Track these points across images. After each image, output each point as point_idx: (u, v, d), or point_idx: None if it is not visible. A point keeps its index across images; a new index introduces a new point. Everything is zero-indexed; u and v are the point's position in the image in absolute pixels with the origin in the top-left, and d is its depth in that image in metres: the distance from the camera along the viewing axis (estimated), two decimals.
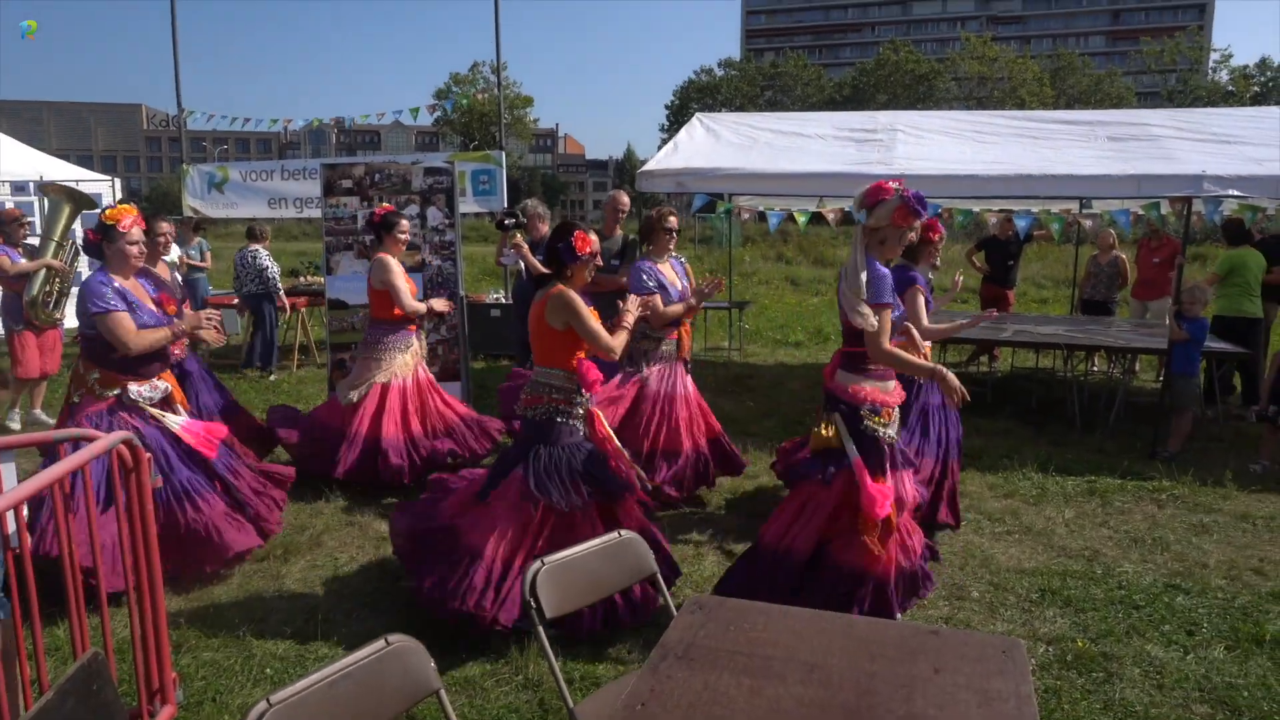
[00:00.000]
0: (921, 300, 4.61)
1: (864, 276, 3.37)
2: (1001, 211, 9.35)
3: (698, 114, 8.88)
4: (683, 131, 8.31)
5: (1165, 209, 7.02)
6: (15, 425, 6.72)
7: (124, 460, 2.40)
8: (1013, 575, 4.18)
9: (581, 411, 3.70)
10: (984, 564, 4.33)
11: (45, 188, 6.53)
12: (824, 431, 3.57)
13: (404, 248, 5.57)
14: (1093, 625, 3.67)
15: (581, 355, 3.64)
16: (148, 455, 2.48)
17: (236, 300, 9.51)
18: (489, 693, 3.17)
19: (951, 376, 3.40)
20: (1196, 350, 6.18)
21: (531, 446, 3.62)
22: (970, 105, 53.20)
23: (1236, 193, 5.90)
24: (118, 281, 3.83)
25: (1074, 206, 9.09)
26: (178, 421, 3.96)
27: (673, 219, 5.16)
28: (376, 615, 3.78)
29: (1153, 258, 8.84)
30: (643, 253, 5.20)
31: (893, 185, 3.42)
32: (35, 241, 7.01)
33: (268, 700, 1.65)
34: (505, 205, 10.13)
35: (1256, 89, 50.76)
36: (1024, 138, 7.46)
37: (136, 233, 3.84)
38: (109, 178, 12.41)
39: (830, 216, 7.84)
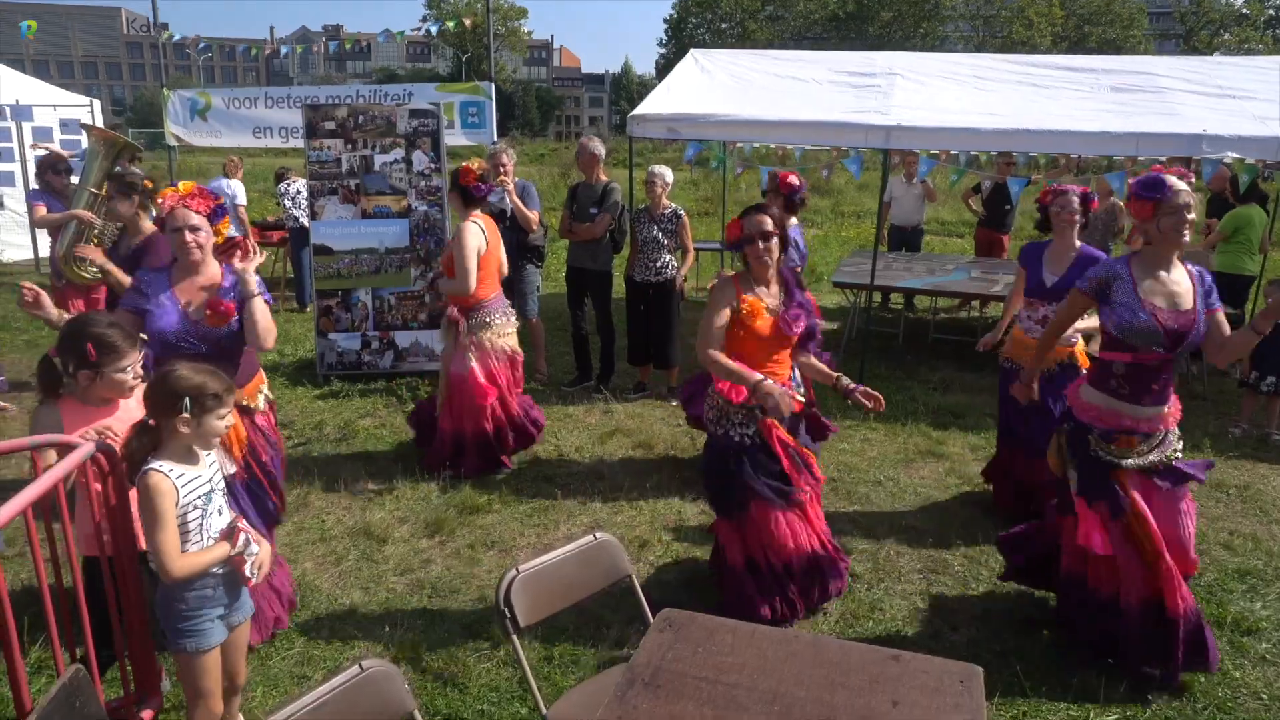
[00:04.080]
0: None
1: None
2: (1000, 155, 9.20)
3: (692, 51, 8.63)
4: (676, 71, 8.10)
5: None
6: None
7: (100, 466, 2.41)
8: (990, 548, 4.25)
9: (739, 415, 3.42)
10: (962, 531, 4.40)
11: (87, 129, 6.03)
12: (1052, 454, 3.40)
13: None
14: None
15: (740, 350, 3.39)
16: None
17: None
18: (470, 669, 3.26)
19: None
20: None
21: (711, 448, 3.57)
22: (976, 25, 51.69)
23: (1233, 154, 5.81)
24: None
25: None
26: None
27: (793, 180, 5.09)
28: (361, 588, 3.84)
29: None
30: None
31: (1166, 180, 3.07)
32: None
33: None
34: (495, 138, 9.92)
35: (1271, 11, 49.36)
36: (1025, 85, 7.30)
37: (183, 215, 3.00)
38: (87, 100, 12.07)
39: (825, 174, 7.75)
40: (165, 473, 2.30)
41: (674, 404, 6.29)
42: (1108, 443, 3.18)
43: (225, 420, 2.42)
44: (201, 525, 2.40)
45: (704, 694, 1.93)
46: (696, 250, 8.35)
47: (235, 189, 9.61)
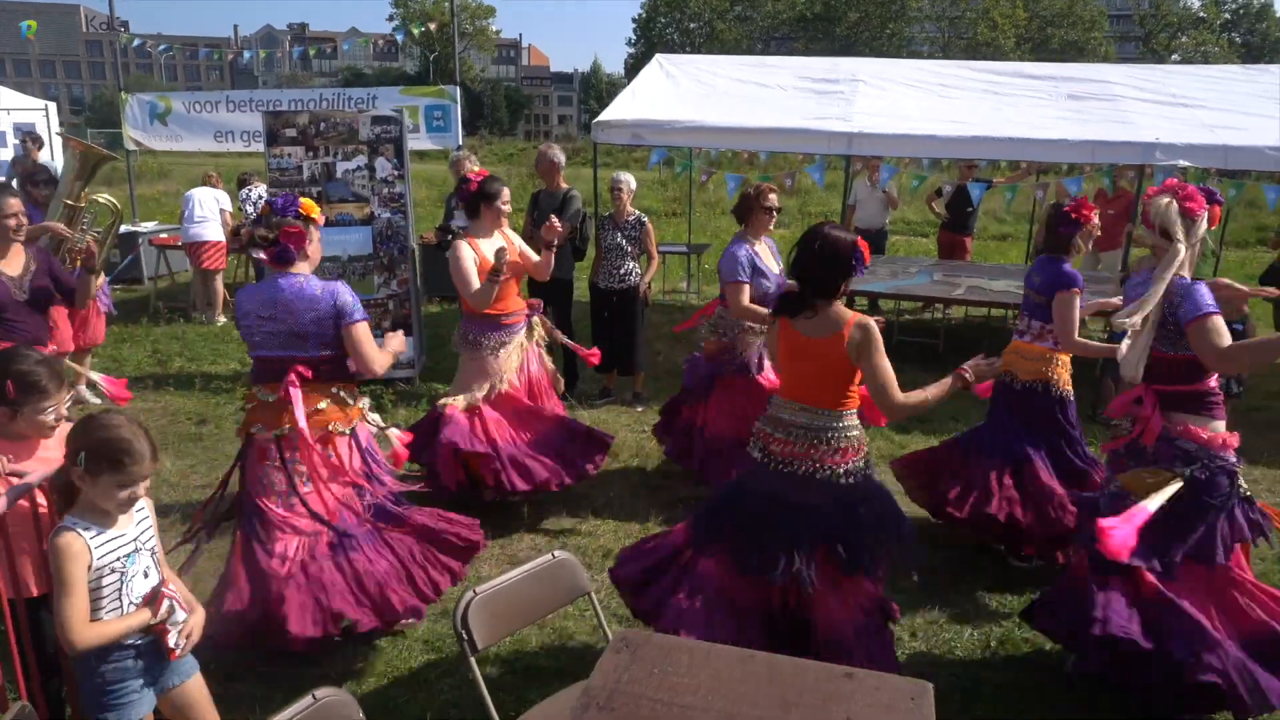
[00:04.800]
0: (1076, 307, 3.99)
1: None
2: (962, 160, 9.32)
3: (657, 56, 8.65)
4: (641, 76, 8.12)
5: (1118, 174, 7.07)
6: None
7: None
8: (952, 556, 4.31)
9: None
10: (923, 537, 4.44)
11: (65, 140, 5.79)
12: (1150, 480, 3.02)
13: (505, 221, 4.64)
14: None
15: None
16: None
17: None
18: (433, 687, 3.25)
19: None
20: None
21: None
22: (941, 26, 52.32)
23: (1185, 161, 5.94)
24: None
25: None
26: None
27: (773, 197, 4.71)
28: None
29: (1108, 209, 8.90)
30: (739, 232, 4.75)
31: (1192, 191, 3.00)
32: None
33: None
34: (459, 142, 9.87)
35: (1227, 16, 50.48)
36: (987, 93, 7.41)
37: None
38: (43, 104, 11.84)
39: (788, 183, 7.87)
40: (79, 532, 2.07)
41: (639, 410, 6.31)
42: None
43: (140, 488, 2.13)
44: (120, 590, 2.14)
45: (659, 715, 1.94)
46: (663, 253, 8.36)
47: (222, 199, 9.32)
